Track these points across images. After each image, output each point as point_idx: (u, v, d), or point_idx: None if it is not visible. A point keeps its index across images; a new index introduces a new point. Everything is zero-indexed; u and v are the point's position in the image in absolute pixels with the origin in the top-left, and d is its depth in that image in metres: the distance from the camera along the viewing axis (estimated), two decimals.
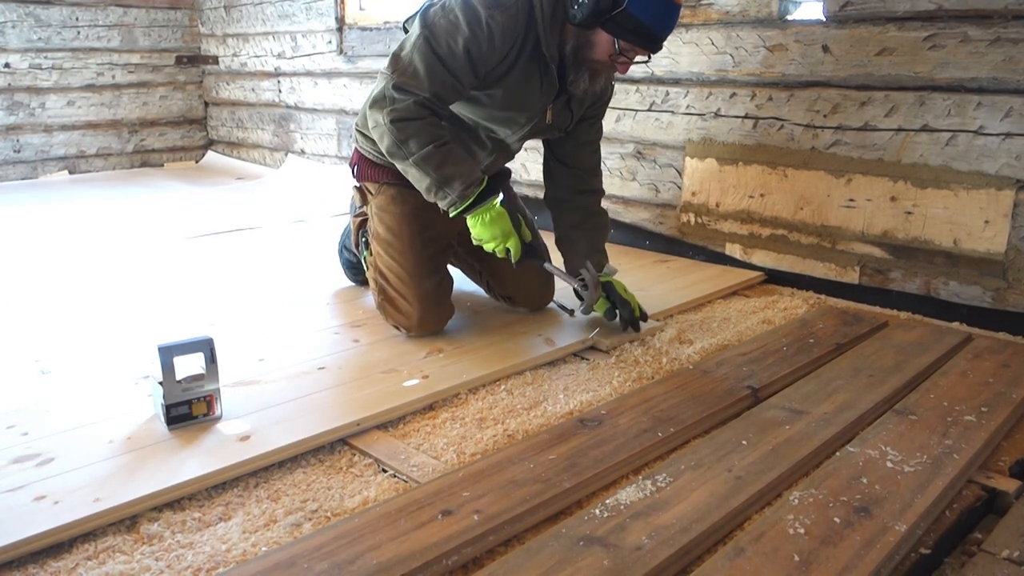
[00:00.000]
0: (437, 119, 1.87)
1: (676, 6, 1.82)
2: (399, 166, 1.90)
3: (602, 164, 2.29)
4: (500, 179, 2.29)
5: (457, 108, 1.96)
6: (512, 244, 1.92)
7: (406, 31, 1.99)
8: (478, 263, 2.29)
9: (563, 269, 2.10)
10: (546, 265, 2.04)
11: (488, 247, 1.94)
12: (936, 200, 2.26)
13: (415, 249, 2.04)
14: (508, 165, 2.32)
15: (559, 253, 2.20)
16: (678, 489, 1.32)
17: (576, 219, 2.18)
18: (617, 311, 2.05)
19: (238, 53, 5.00)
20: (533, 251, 2.00)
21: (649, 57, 1.89)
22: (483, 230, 1.90)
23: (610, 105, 2.96)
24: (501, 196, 1.91)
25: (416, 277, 2.02)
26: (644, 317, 2.10)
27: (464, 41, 1.79)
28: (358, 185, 2.21)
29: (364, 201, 2.20)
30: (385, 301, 2.07)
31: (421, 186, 1.88)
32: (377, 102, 1.84)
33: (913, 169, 2.29)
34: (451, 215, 1.89)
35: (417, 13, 1.93)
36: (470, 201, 1.86)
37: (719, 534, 1.24)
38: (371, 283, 2.14)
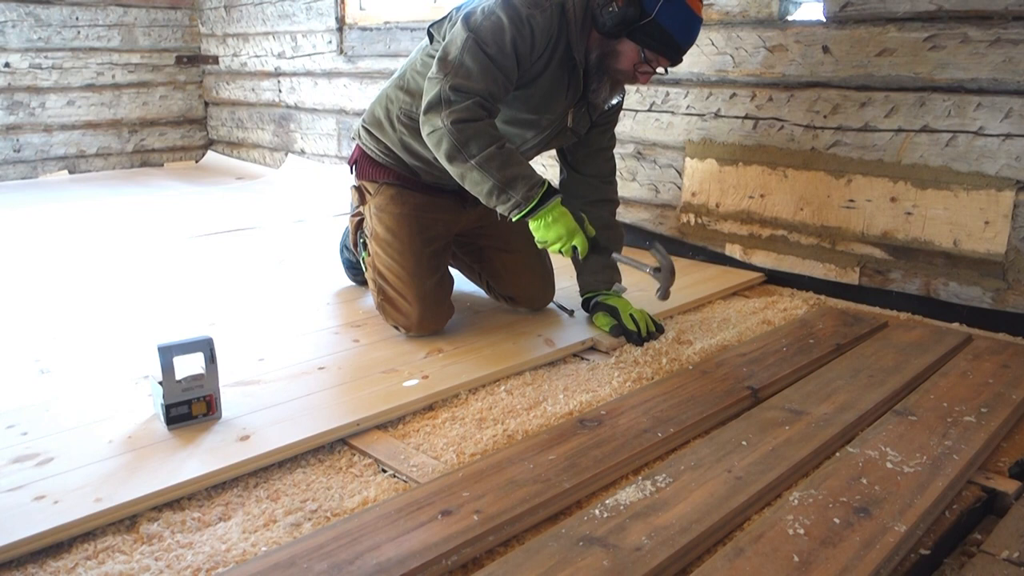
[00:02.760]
0: (493, 120, 1.86)
1: (699, 19, 1.86)
2: (456, 171, 1.83)
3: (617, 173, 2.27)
4: None
5: None
6: (578, 241, 1.86)
7: (431, 36, 1.99)
8: (477, 264, 2.29)
9: (633, 258, 1.99)
10: (614, 255, 1.98)
11: (553, 248, 1.89)
12: (936, 201, 2.26)
13: (414, 249, 2.04)
14: None
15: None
16: (678, 489, 1.32)
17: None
18: (623, 331, 2.04)
19: (238, 53, 5.00)
20: (598, 245, 1.93)
21: (667, 70, 1.93)
22: (547, 231, 1.85)
23: None
24: (561, 196, 1.88)
25: (416, 277, 2.02)
26: (660, 329, 2.09)
27: (511, 39, 1.80)
28: (356, 184, 2.21)
29: (362, 200, 2.19)
30: (384, 301, 2.07)
31: (481, 190, 1.82)
32: (433, 106, 1.80)
33: (913, 170, 2.29)
34: (513, 219, 1.85)
35: (447, 19, 1.95)
36: (534, 203, 1.81)
37: (719, 534, 1.24)
38: (370, 283, 2.14)
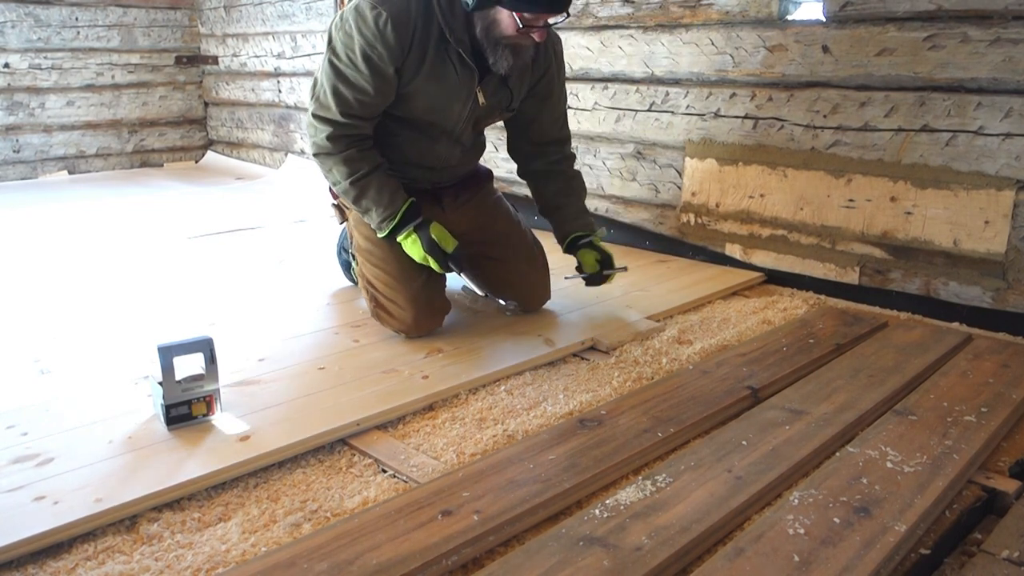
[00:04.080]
0: (355, 148, 1.92)
1: None
2: None
3: (571, 128, 2.34)
4: (481, 179, 2.30)
5: (397, 109, 1.96)
6: (431, 263, 1.99)
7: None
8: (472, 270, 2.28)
9: (474, 283, 2.11)
10: (462, 274, 2.05)
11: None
12: (936, 200, 2.26)
13: (396, 253, 2.03)
14: (505, 163, 2.32)
15: (548, 223, 2.30)
16: (678, 489, 1.32)
17: (556, 187, 2.25)
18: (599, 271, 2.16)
19: (238, 53, 5.00)
20: (456, 261, 2.01)
21: (567, 15, 1.82)
22: (408, 250, 2.00)
23: (610, 105, 2.97)
24: (415, 223, 1.97)
25: (402, 280, 2.02)
26: (608, 265, 2.19)
27: (360, 49, 1.80)
28: (335, 203, 2.23)
29: (343, 217, 2.22)
30: (378, 308, 2.07)
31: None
32: (305, 130, 2.01)
33: (913, 169, 2.29)
34: (378, 236, 2.02)
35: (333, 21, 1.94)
36: (386, 233, 1.97)
37: (719, 534, 1.24)
38: (363, 293, 2.14)
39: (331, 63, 1.85)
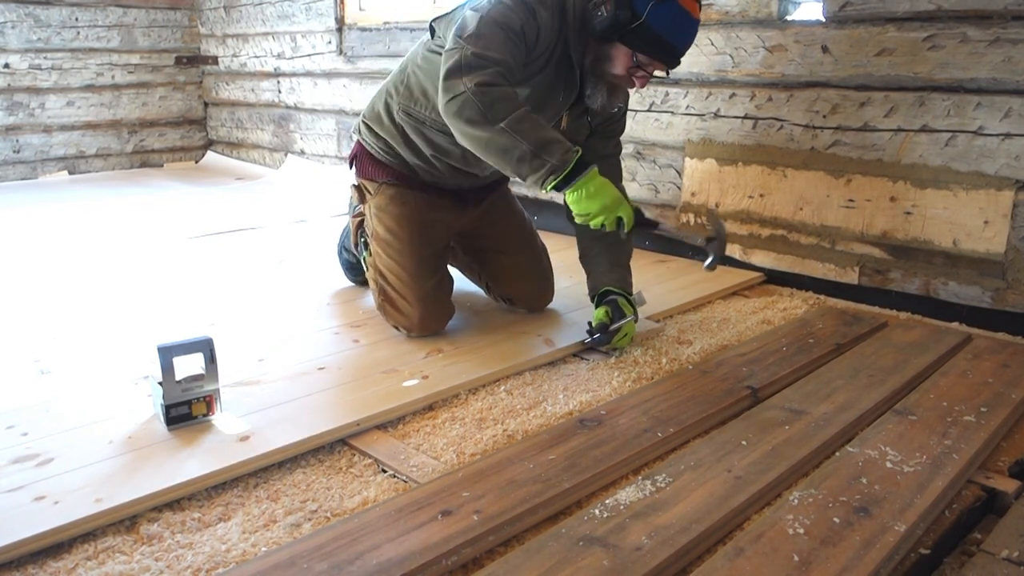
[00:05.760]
0: (516, 89, 1.76)
1: (695, 20, 1.78)
2: (480, 139, 1.69)
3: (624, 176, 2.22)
4: (501, 180, 2.30)
5: None
6: (624, 212, 1.75)
7: (433, 31, 1.95)
8: (477, 264, 2.29)
9: (679, 231, 1.91)
10: (660, 227, 1.87)
11: (595, 222, 1.76)
12: (936, 200, 2.26)
13: (415, 249, 2.04)
14: None
15: (582, 269, 2.14)
16: (678, 489, 1.32)
17: (597, 231, 1.97)
18: (601, 328, 1.95)
19: (238, 53, 5.00)
20: (644, 217, 1.81)
21: (667, 72, 1.86)
22: (588, 203, 1.72)
23: None
24: (596, 166, 1.75)
25: (416, 277, 2.02)
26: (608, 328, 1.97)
27: (520, 21, 1.75)
28: (356, 183, 2.21)
29: (362, 199, 2.19)
30: (385, 301, 2.07)
31: (510, 157, 1.68)
32: (453, 72, 1.68)
33: (912, 169, 2.29)
34: (546, 189, 1.71)
35: (450, 15, 1.89)
36: (569, 168, 1.68)
37: (719, 534, 1.24)
38: (371, 283, 2.14)
39: (494, 22, 1.73)
